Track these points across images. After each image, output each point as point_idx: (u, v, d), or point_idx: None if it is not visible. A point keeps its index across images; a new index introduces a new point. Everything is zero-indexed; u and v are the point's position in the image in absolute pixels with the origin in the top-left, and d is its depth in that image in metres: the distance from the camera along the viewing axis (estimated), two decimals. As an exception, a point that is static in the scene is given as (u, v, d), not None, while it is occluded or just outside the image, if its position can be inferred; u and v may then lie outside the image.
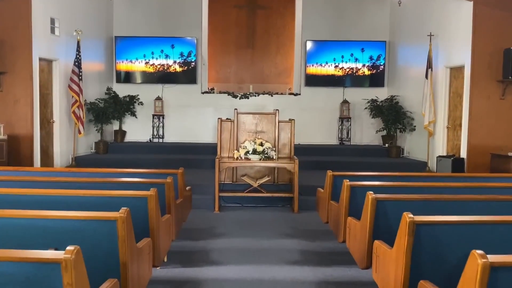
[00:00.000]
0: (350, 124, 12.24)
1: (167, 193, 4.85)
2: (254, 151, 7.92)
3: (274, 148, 8.10)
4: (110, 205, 3.87)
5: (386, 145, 11.58)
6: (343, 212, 4.91)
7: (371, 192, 4.10)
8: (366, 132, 12.36)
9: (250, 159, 7.93)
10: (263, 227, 6.82)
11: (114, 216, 3.20)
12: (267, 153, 7.94)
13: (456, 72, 9.66)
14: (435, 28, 10.06)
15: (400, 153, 11.25)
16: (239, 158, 7.94)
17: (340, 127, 12.30)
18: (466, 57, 9.08)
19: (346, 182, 4.87)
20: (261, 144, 7.99)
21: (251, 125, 8.33)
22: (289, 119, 8.55)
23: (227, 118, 8.55)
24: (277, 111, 8.35)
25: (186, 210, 6.05)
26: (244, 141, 8.18)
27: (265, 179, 8.11)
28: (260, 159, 7.91)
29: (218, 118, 8.42)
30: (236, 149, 8.19)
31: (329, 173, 5.77)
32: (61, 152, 9.93)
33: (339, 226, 5.01)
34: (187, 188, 6.23)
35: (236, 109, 8.37)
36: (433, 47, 9.91)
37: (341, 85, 12.27)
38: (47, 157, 9.62)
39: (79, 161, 10.22)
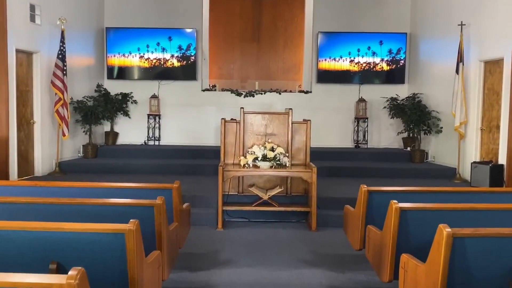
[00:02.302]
0: (367, 125, 11.04)
1: (156, 220, 3.66)
2: (264, 157, 6.73)
3: (287, 154, 6.92)
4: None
5: (408, 148, 10.39)
6: (390, 244, 3.72)
7: (445, 225, 2.90)
8: (385, 133, 11.17)
9: (259, 167, 6.74)
10: (277, 251, 5.63)
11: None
12: (279, 160, 6.75)
13: (492, 66, 8.47)
14: (466, 17, 8.86)
15: (424, 157, 10.06)
16: (247, 165, 6.75)
17: (355, 128, 11.11)
18: (506, 49, 7.89)
19: (395, 204, 3.68)
20: (272, 149, 6.80)
21: (260, 126, 7.14)
22: (303, 120, 7.37)
23: (231, 119, 7.36)
24: (290, 110, 7.17)
25: (183, 233, 4.86)
26: (252, 146, 6.99)
27: (277, 190, 6.91)
28: (271, 167, 6.71)
29: (222, 119, 7.24)
30: (243, 155, 7.00)
31: (363, 188, 4.57)
32: (42, 157, 8.75)
33: (384, 262, 3.82)
34: (185, 205, 5.04)
35: (242, 108, 7.18)
36: (464, 38, 8.72)
37: (356, 81, 11.07)
38: (26, 163, 8.43)
39: (64, 167, 9.04)
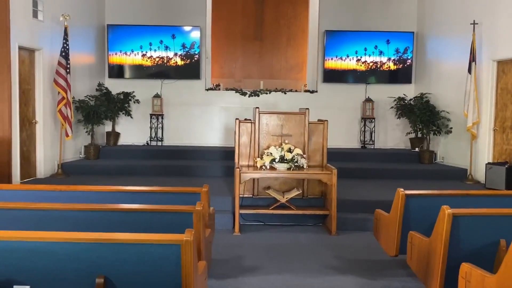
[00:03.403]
0: (374, 126, 10.88)
1: (196, 227, 3.43)
2: (282, 159, 6.51)
3: (304, 155, 6.71)
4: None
5: (417, 149, 10.24)
6: (441, 251, 3.52)
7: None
8: (391, 134, 11.01)
9: (276, 169, 6.53)
10: (302, 257, 5.42)
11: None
12: (296, 161, 6.54)
13: (505, 65, 8.35)
14: (477, 16, 8.74)
15: (433, 158, 9.92)
16: (264, 167, 6.53)
17: (362, 128, 10.94)
18: (522, 48, 7.79)
19: (447, 210, 3.49)
20: (290, 151, 6.59)
21: (276, 127, 6.93)
22: (318, 120, 7.17)
23: (245, 119, 7.14)
24: (306, 110, 6.96)
25: (211, 239, 4.64)
26: (268, 147, 6.77)
27: (295, 193, 6.70)
28: (289, 169, 6.50)
29: (236, 119, 7.00)
30: (258, 156, 6.78)
31: (401, 192, 4.39)
32: (45, 158, 8.43)
33: (434, 271, 3.62)
34: (211, 209, 4.81)
35: (257, 107, 6.95)
36: (475, 37, 8.59)
37: (363, 81, 10.90)
38: (28, 164, 8.12)
39: (66, 169, 8.73)
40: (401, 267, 5.01)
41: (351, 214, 6.75)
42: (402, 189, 4.40)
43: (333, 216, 6.37)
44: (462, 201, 4.29)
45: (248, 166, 6.85)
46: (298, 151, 6.61)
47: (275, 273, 4.88)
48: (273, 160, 6.52)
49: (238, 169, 6.35)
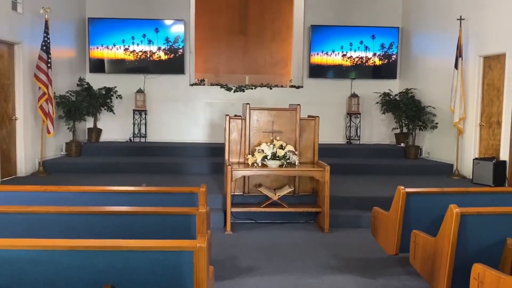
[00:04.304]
0: (360, 121, 10.86)
1: (199, 230, 3.30)
2: (274, 156, 6.41)
3: (296, 152, 6.61)
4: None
5: (402, 144, 10.26)
6: (448, 251, 3.47)
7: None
8: (376, 129, 11.02)
9: (268, 166, 6.42)
10: (298, 256, 5.32)
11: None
12: (289, 158, 6.44)
13: (492, 61, 8.39)
14: (463, 12, 8.76)
15: (418, 153, 9.95)
16: (256, 164, 6.41)
17: (348, 124, 10.91)
18: (509, 43, 7.83)
19: (455, 209, 3.42)
20: (282, 147, 6.48)
21: (267, 123, 6.80)
22: (308, 116, 7.09)
23: (235, 115, 6.99)
24: (298, 106, 6.86)
25: (211, 241, 4.49)
26: (259, 143, 6.65)
27: (287, 190, 6.60)
28: (282, 166, 6.40)
29: (226, 115, 6.86)
30: (249, 153, 6.66)
31: (401, 190, 4.32)
32: (25, 156, 8.16)
33: (440, 271, 3.56)
34: (207, 209, 4.66)
35: (248, 103, 6.82)
36: (462, 33, 8.61)
37: (349, 76, 10.86)
38: (8, 163, 7.83)
39: (47, 167, 8.46)
40: (399, 265, 4.97)
41: (343, 211, 6.69)
42: (403, 187, 4.34)
43: (325, 213, 6.29)
44: (463, 199, 4.26)
45: (239, 163, 6.72)
46: (290, 147, 6.51)
47: (273, 273, 4.77)
48: (265, 157, 6.41)
49: (230, 167, 6.21)
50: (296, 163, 6.52)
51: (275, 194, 6.54)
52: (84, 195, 4.08)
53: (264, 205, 6.54)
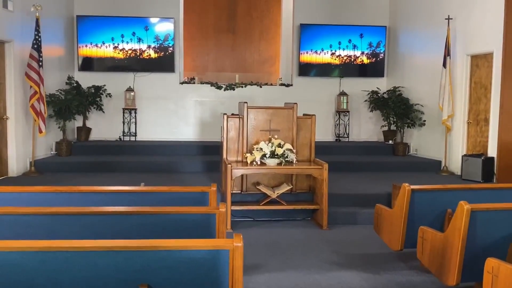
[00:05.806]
0: (349, 119, 11.00)
1: (219, 230, 3.34)
2: (272, 154, 6.47)
3: (293, 150, 6.69)
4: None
5: (390, 141, 10.44)
6: (458, 246, 3.58)
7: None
8: (365, 127, 11.18)
9: (266, 164, 6.48)
10: (301, 253, 5.41)
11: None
12: (287, 156, 6.51)
13: (479, 60, 8.60)
14: (450, 11, 8.96)
15: (406, 150, 10.14)
16: (255, 163, 6.47)
17: (337, 121, 11.04)
18: (496, 42, 8.04)
19: (466, 205, 3.54)
20: (280, 146, 6.55)
21: (264, 122, 6.86)
22: (304, 114, 7.18)
23: (232, 114, 7.03)
24: (295, 104, 6.94)
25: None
26: (257, 142, 6.71)
27: (285, 188, 6.68)
28: (280, 164, 6.47)
29: (224, 114, 6.89)
30: (247, 152, 6.71)
31: (406, 187, 4.43)
32: (17, 156, 8.05)
33: (450, 266, 3.67)
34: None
35: (246, 102, 6.86)
36: (450, 32, 8.80)
37: (337, 74, 10.99)
38: (0, 163, 7.72)
39: (38, 166, 8.37)
40: (401, 260, 5.09)
41: (340, 207, 6.80)
42: (408, 184, 4.45)
43: (324, 210, 6.39)
44: (465, 195, 4.37)
45: (237, 161, 6.76)
46: (288, 146, 6.59)
47: (279, 270, 4.84)
48: (264, 155, 6.47)
49: (230, 165, 6.25)
50: (294, 161, 6.59)
51: (274, 192, 6.61)
52: (95, 196, 4.07)
53: (263, 203, 6.60)
